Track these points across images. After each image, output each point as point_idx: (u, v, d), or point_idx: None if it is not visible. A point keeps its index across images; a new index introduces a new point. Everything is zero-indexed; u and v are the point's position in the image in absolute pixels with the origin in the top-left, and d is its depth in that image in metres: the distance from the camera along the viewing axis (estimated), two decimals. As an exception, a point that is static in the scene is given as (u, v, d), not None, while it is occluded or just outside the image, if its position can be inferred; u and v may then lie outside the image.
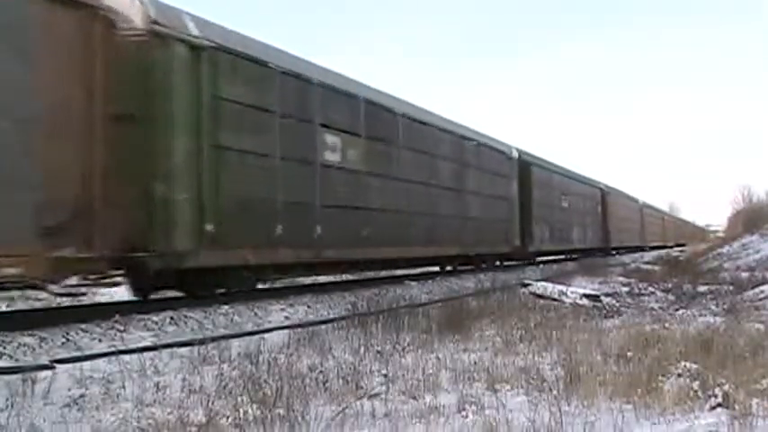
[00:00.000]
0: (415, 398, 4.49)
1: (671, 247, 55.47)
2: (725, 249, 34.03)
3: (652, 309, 10.04)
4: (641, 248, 46.36)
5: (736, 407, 3.94)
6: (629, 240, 42.62)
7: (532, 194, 23.65)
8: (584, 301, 10.61)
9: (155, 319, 7.87)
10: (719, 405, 4.04)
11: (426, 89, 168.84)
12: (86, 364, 5.48)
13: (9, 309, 9.52)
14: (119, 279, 9.07)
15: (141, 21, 8.45)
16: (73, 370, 5.29)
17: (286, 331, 7.26)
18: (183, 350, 6.13)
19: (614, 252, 37.50)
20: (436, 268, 18.58)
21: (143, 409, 4.15)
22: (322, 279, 14.35)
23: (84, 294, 9.61)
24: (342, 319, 8.09)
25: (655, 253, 43.35)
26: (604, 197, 36.27)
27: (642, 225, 48.63)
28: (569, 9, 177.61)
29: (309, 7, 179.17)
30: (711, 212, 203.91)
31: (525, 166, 23.54)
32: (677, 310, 9.74)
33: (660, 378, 4.58)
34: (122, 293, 10.75)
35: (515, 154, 23.01)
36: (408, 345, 6.36)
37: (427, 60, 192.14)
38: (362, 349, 6.08)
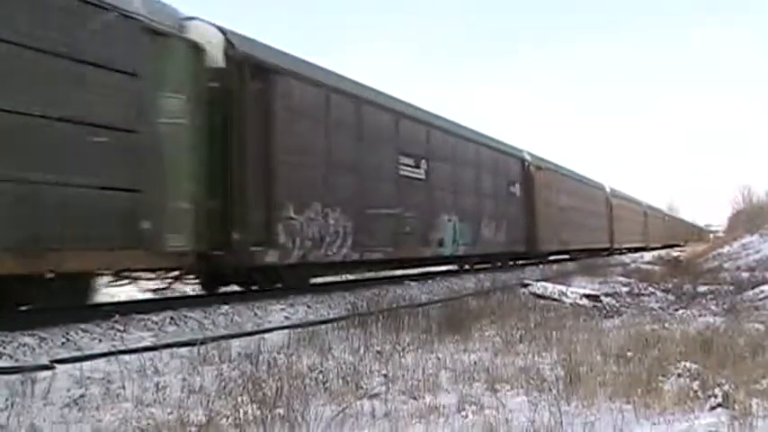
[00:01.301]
0: (415, 398, 4.49)
1: (655, 250, 45.57)
2: (725, 249, 34.09)
3: (652, 309, 10.06)
4: (608, 251, 34.83)
5: (736, 407, 3.94)
6: (582, 241, 29.50)
7: (275, 138, 10.64)
8: (584, 301, 10.62)
9: (155, 319, 7.86)
10: (719, 405, 4.04)
11: (426, 89, 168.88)
12: (86, 364, 5.47)
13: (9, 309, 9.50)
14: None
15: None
16: (73, 370, 5.28)
17: (286, 331, 7.25)
18: (183, 350, 6.13)
19: (545, 258, 24.89)
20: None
21: (143, 409, 4.15)
22: (321, 279, 14.32)
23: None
24: (342, 319, 8.09)
25: (632, 256, 36.07)
26: (529, 174, 22.94)
27: (610, 220, 36.28)
28: (569, 9, 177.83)
29: (310, 8, 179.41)
30: (711, 212, 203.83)
31: (257, 75, 10.31)
32: (677, 310, 9.75)
33: (660, 378, 4.58)
34: (122, 293, 10.76)
35: (206, 35, 9.73)
36: (408, 345, 6.36)
37: (427, 60, 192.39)
38: (362, 349, 6.08)
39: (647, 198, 55.35)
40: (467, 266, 18.78)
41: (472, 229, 18.19)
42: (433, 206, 16.05)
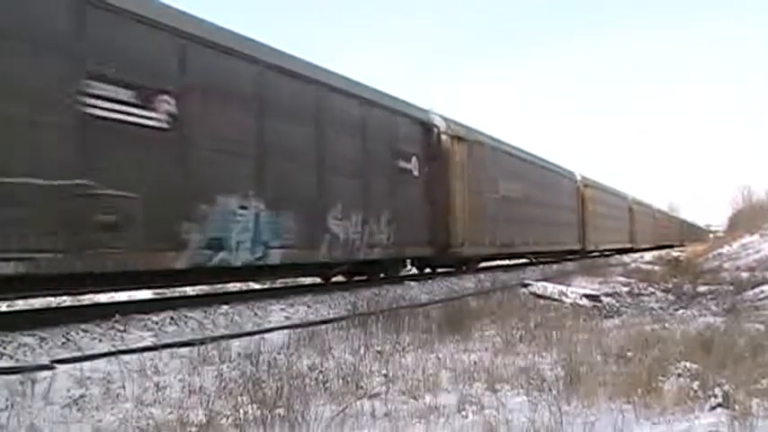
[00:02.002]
0: (415, 398, 4.49)
1: (644, 251, 40.57)
2: (725, 249, 34.06)
3: (652, 309, 10.07)
4: (580, 254, 28.61)
5: (736, 407, 3.94)
6: (538, 241, 23.11)
7: None
8: (585, 301, 10.61)
9: (155, 319, 7.86)
10: (719, 405, 4.04)
11: (426, 88, 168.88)
12: (86, 364, 5.47)
13: (9, 309, 9.51)
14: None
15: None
16: (73, 370, 5.28)
17: (286, 331, 7.25)
18: (183, 350, 6.13)
19: (473, 265, 17.92)
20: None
21: (143, 409, 4.15)
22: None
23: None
24: (342, 319, 8.08)
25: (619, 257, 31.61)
26: (439, 147, 16.01)
27: (581, 216, 29.68)
28: (569, 8, 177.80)
29: (310, 7, 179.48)
30: (711, 212, 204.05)
31: None
32: (677, 310, 9.76)
33: (660, 378, 4.58)
34: (122, 293, 10.76)
35: None
36: (408, 345, 6.36)
37: (426, 59, 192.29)
38: (362, 349, 6.08)
39: (644, 197, 51.94)
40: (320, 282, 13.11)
41: (307, 224, 11.28)
42: (194, 180, 9.11)
